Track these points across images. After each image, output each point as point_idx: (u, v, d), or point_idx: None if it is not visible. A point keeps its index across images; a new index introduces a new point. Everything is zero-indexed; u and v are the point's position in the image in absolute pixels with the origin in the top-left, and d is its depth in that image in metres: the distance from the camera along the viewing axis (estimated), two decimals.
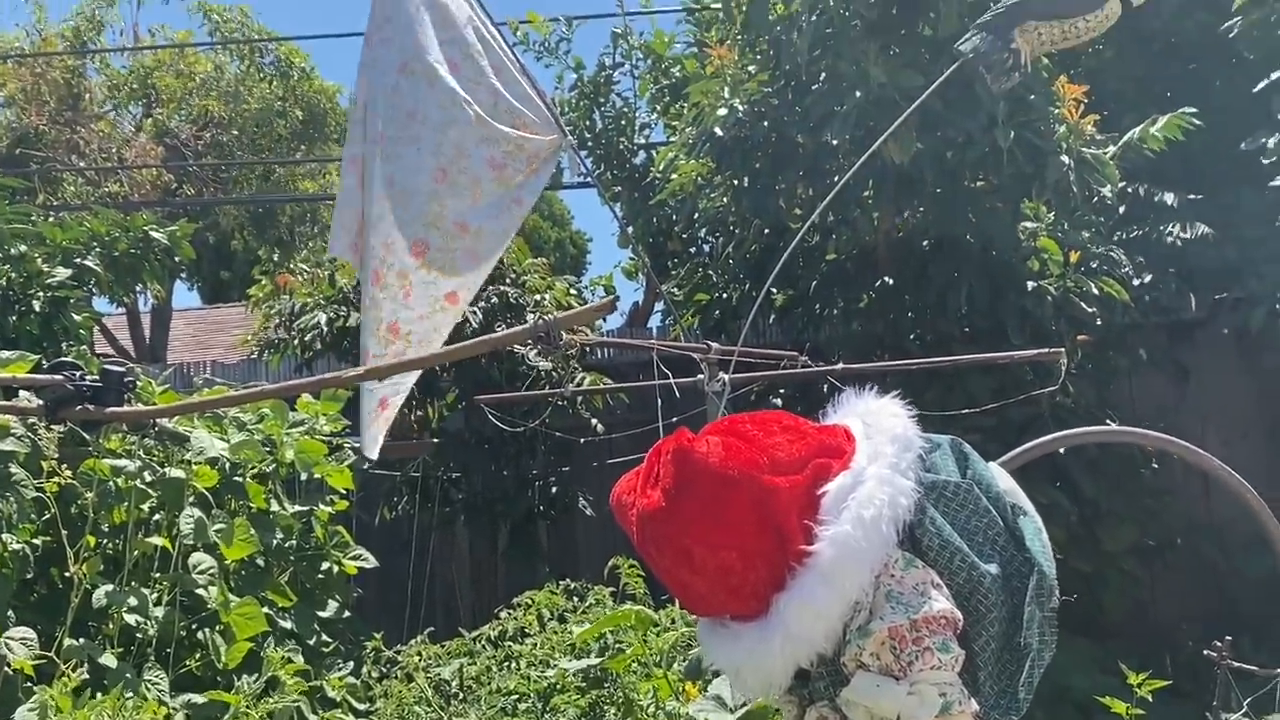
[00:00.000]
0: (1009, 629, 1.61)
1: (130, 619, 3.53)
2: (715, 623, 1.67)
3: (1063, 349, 3.88)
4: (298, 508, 4.48)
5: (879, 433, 1.66)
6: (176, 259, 5.38)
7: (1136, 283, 6.52)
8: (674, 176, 6.82)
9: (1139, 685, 3.30)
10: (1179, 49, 7.77)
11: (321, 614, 4.49)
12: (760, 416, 1.67)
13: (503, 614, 4.52)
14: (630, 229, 8.38)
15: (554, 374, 6.22)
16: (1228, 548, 6.78)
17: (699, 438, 1.60)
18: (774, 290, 6.66)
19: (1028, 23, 3.75)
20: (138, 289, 7.38)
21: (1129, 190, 7.03)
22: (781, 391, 6.20)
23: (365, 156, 4.09)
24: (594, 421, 6.54)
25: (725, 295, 6.89)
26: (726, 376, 3.76)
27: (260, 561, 4.25)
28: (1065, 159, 5.37)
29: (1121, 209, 7.09)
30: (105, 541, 3.77)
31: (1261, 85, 6.77)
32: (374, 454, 4.22)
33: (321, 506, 4.60)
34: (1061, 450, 5.79)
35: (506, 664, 4.20)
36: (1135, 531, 6.27)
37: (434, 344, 3.93)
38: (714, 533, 1.55)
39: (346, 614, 4.65)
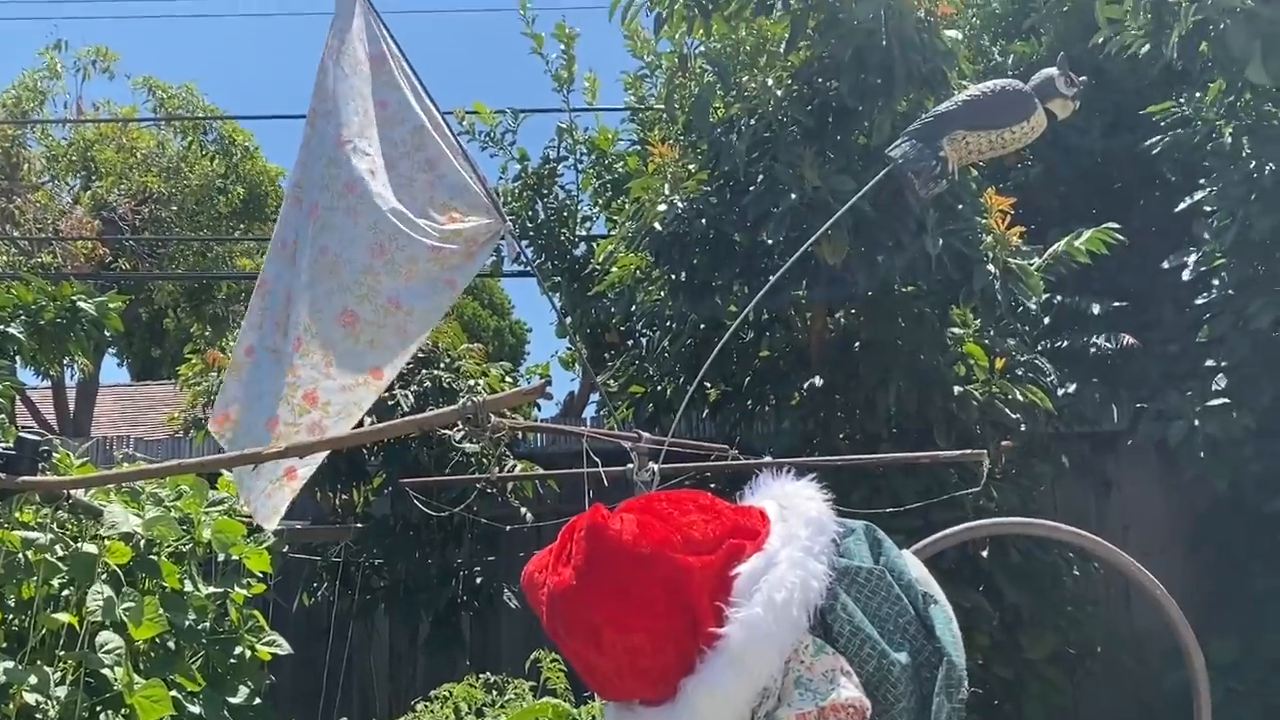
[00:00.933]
0: (917, 719, 1.60)
1: (30, 698, 3.40)
2: (622, 707, 1.64)
3: (985, 451, 3.93)
4: (213, 589, 4.37)
5: (794, 515, 1.66)
6: (105, 332, 5.31)
7: (1061, 392, 6.65)
8: (613, 269, 6.88)
9: None
10: (1105, 167, 8.04)
11: (232, 700, 4.36)
12: (676, 495, 1.66)
13: (419, 706, 4.44)
14: (569, 319, 8.42)
15: (484, 460, 6.18)
16: (1147, 659, 6.83)
17: (613, 515, 1.59)
18: (708, 385, 6.71)
19: (956, 132, 3.88)
20: (64, 361, 7.25)
21: (1055, 301, 7.21)
22: (712, 485, 6.20)
23: (297, 238, 4.07)
24: (523, 510, 6.49)
25: (660, 388, 6.92)
26: (656, 466, 3.76)
27: (171, 643, 4.14)
28: (992, 268, 5.51)
29: (1047, 319, 7.27)
30: (11, 616, 3.65)
31: (1182, 206, 7.01)
32: (272, 525, 4.15)
33: (237, 589, 4.49)
34: (985, 554, 5.84)
35: None
36: (1057, 639, 6.30)
37: (353, 417, 3.89)
38: (624, 612, 1.53)
39: (258, 701, 4.52)
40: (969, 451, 4.02)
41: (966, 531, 2.46)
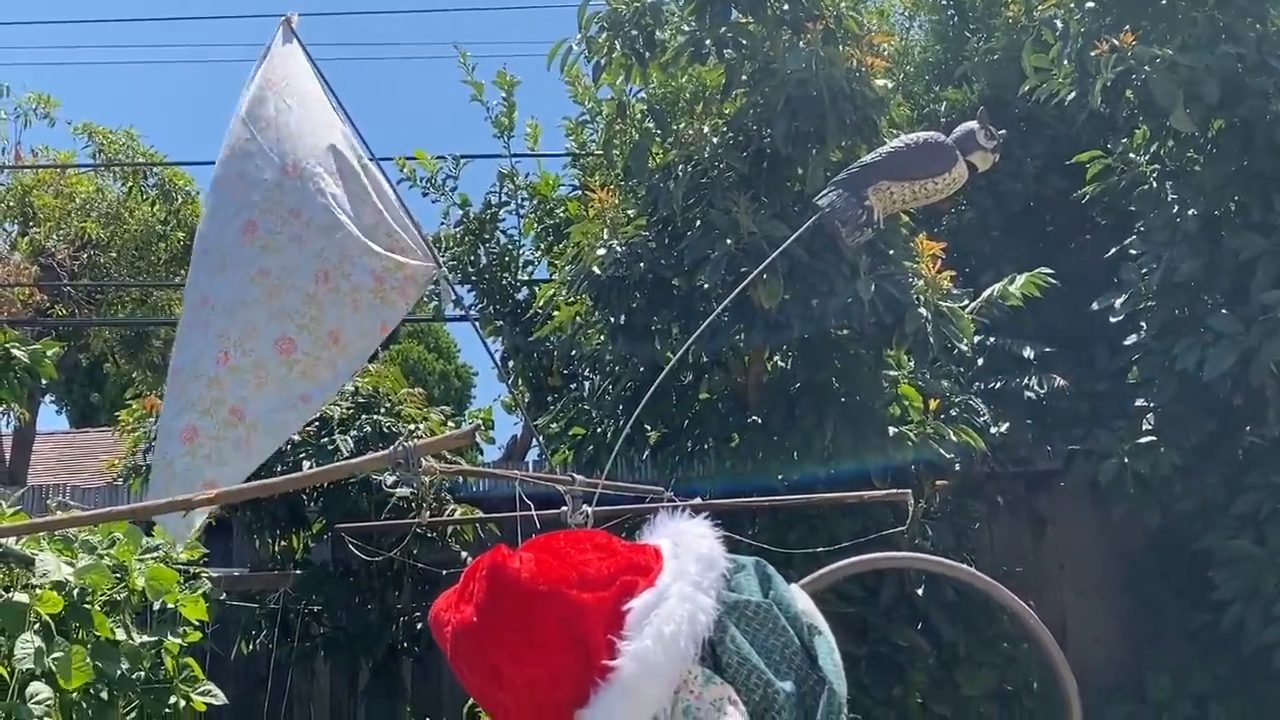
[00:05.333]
0: None
1: None
2: None
3: (909, 490, 4.00)
4: (147, 638, 4.33)
5: (686, 552, 1.73)
6: (40, 379, 5.25)
7: (994, 432, 6.76)
8: (555, 314, 6.93)
9: None
10: (1037, 211, 8.23)
11: None
12: (574, 535, 1.74)
13: None
14: (510, 363, 8.44)
15: (425, 505, 6.18)
16: (1083, 696, 6.89)
17: (513, 554, 1.66)
18: (648, 427, 6.75)
19: (881, 181, 3.99)
20: None
21: (989, 343, 7.34)
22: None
23: (225, 255, 4.08)
24: (464, 555, 6.48)
25: (601, 431, 6.95)
26: (590, 509, 3.79)
27: (104, 693, 4.09)
28: (923, 311, 5.61)
29: (981, 361, 7.39)
30: None
31: (1111, 252, 7.18)
32: (185, 542, 4.14)
33: (172, 638, 4.45)
34: (920, 592, 5.91)
35: None
36: (994, 677, 6.38)
37: (280, 437, 3.91)
38: (522, 649, 1.60)
39: None
40: (895, 491, 4.10)
41: (851, 566, 2.58)
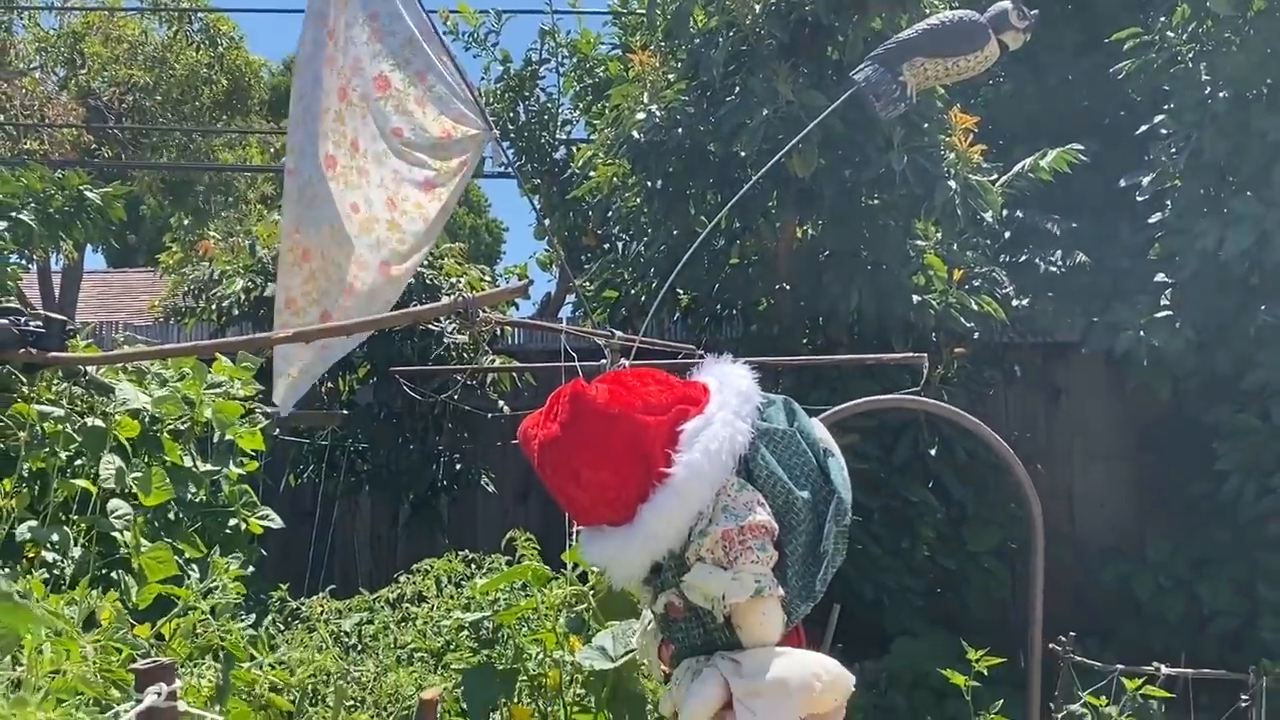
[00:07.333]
0: (813, 539, 2.09)
1: (50, 556, 3.70)
2: (594, 530, 2.13)
3: (925, 354, 4.25)
4: (209, 466, 4.66)
5: (728, 389, 2.13)
6: (110, 220, 5.50)
7: (1015, 304, 6.96)
8: (592, 175, 7.10)
9: (977, 661, 3.68)
10: (1073, 86, 8.25)
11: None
12: (639, 371, 2.14)
13: (402, 579, 4.75)
14: (547, 222, 8.65)
15: (465, 354, 6.47)
16: (1084, 556, 7.27)
17: (590, 384, 2.05)
18: (679, 290, 6.99)
19: (915, 58, 4.14)
20: (54, 247, 7.45)
21: (1016, 216, 7.49)
22: None
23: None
24: (500, 403, 6.79)
25: (634, 292, 7.19)
26: (628, 363, 4.06)
27: (171, 514, 4.43)
28: (952, 184, 5.78)
29: (1007, 234, 7.55)
30: (23, 485, 3.93)
31: (1142, 129, 7.26)
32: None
33: (232, 466, 4.78)
34: (933, 452, 6.21)
35: (404, 624, 4.45)
36: (999, 534, 6.71)
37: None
38: (597, 458, 2.02)
39: (250, 570, 4.83)
40: (911, 355, 4.35)
41: (853, 407, 2.97)
